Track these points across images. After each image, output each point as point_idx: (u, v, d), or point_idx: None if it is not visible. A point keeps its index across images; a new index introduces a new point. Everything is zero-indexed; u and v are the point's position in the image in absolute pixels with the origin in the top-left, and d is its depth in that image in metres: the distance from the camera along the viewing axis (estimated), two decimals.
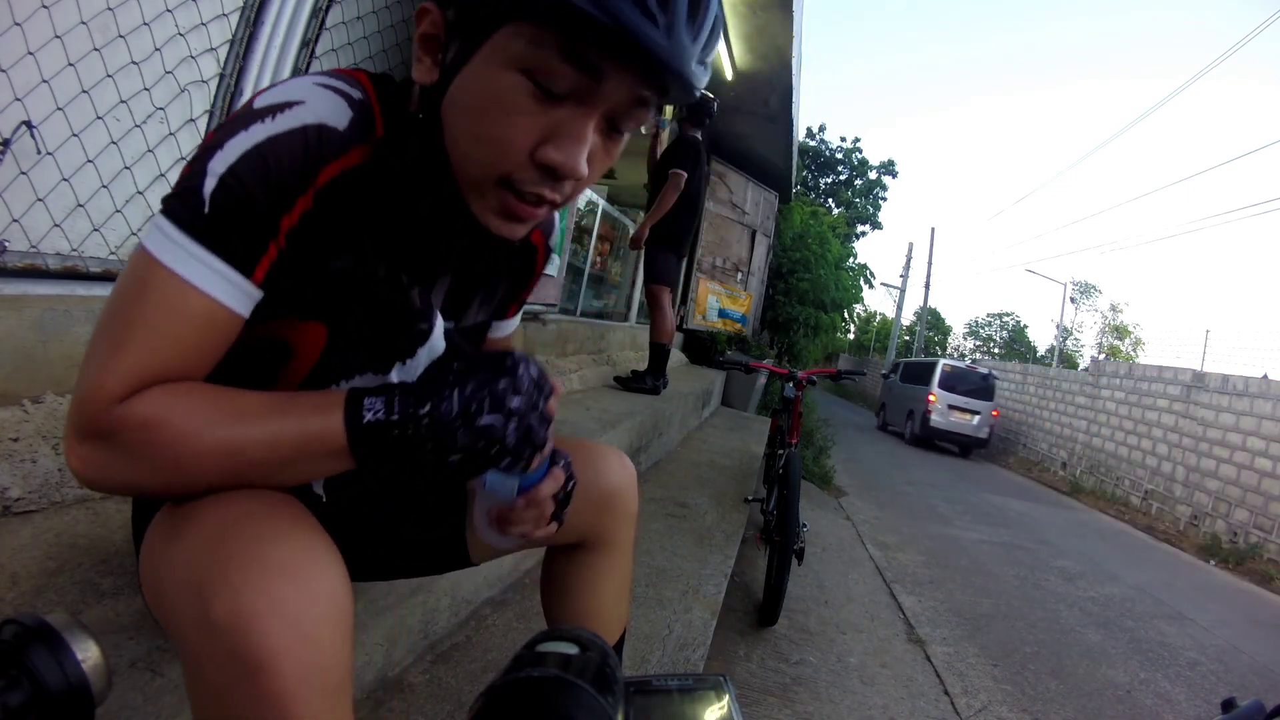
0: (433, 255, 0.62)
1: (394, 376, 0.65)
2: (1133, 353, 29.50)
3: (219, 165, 0.48)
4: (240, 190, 0.48)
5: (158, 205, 0.50)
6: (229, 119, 0.50)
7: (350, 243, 0.55)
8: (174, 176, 1.28)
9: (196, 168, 0.48)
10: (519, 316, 0.83)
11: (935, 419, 10.99)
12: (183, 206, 0.48)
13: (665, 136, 4.10)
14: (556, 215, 0.73)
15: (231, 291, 0.50)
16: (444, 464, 0.51)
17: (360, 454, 0.50)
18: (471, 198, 0.52)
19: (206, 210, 0.47)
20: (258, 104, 0.50)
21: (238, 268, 0.49)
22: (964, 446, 11.24)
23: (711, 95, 3.65)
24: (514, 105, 0.47)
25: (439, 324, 0.66)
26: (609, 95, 0.48)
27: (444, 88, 0.50)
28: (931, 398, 11.08)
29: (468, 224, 0.55)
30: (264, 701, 0.41)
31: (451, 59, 0.50)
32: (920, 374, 12.09)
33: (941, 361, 12.00)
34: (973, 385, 11.21)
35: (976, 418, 10.91)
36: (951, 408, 10.95)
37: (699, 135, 3.62)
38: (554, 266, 3.49)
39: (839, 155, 21.36)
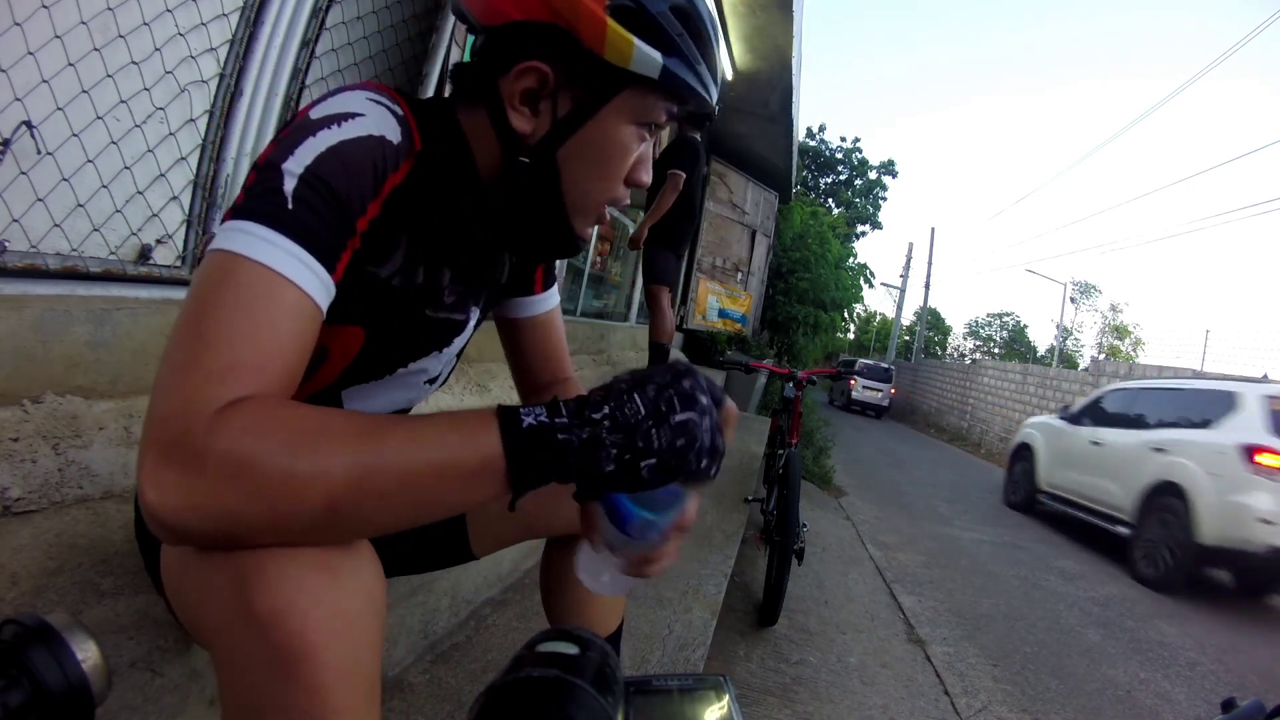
0: (467, 254, 0.67)
1: (426, 364, 0.70)
2: (1133, 353, 29.53)
3: (295, 166, 0.48)
4: (322, 186, 0.49)
5: (222, 218, 0.49)
6: (287, 129, 0.51)
7: (395, 251, 0.59)
8: (174, 176, 1.29)
9: (270, 173, 0.48)
10: (555, 291, 0.84)
11: (855, 394, 17.67)
12: (263, 205, 0.47)
13: (664, 137, 4.10)
14: None
15: (316, 285, 0.49)
16: (633, 473, 0.46)
17: (519, 468, 0.45)
18: (578, 219, 0.62)
19: (290, 205, 0.48)
20: (316, 114, 0.52)
21: (322, 261, 0.49)
22: (877, 411, 17.76)
23: None
24: (630, 149, 0.60)
25: (474, 314, 0.73)
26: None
27: (561, 137, 0.58)
28: (852, 381, 17.32)
29: (505, 228, 0.65)
30: (303, 694, 0.41)
31: (568, 114, 0.57)
32: (849, 368, 18.22)
33: (859, 361, 20.00)
34: (879, 374, 17.81)
35: (880, 393, 17.66)
36: (865, 387, 17.60)
37: (697, 136, 3.62)
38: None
39: (839, 155, 21.37)
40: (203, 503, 0.41)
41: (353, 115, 0.52)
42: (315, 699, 0.41)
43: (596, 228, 0.67)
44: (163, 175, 1.27)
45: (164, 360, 0.44)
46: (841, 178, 21.42)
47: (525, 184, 0.60)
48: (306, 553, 0.44)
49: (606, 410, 0.46)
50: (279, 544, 0.43)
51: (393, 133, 0.54)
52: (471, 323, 0.74)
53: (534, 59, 0.55)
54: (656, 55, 0.55)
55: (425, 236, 0.61)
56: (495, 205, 0.63)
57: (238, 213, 0.47)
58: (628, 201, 0.65)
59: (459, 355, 0.78)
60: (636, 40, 0.54)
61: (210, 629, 0.45)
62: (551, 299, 0.84)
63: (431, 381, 0.75)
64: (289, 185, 0.48)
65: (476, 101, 0.60)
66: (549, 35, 0.54)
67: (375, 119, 0.53)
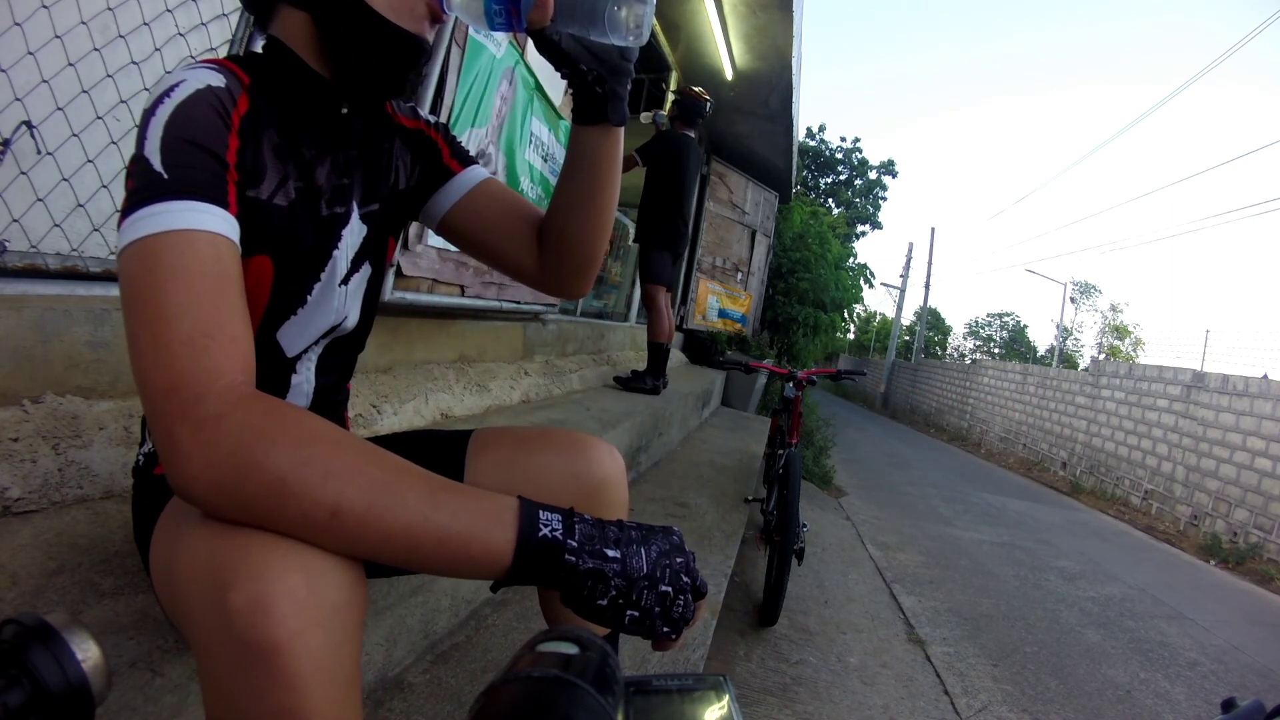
0: (335, 148, 0.69)
1: (326, 274, 0.69)
2: (1133, 353, 29.53)
3: (152, 145, 0.53)
4: (182, 144, 0.53)
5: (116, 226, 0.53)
6: (139, 127, 0.56)
7: (265, 170, 0.62)
8: None
9: (137, 166, 0.53)
10: (480, 168, 0.84)
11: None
12: (143, 191, 0.51)
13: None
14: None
15: (220, 223, 0.53)
16: (616, 616, 0.50)
17: (518, 572, 0.49)
18: (402, 17, 0.63)
19: (166, 175, 0.52)
20: (148, 103, 0.56)
21: (213, 202, 0.53)
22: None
23: (706, 95, 3.66)
24: None
25: (355, 208, 0.72)
26: None
27: None
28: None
29: (358, 109, 0.69)
30: (277, 686, 0.41)
31: None
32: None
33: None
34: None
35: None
36: None
37: (691, 134, 3.62)
38: None
39: (839, 155, 21.39)
40: (216, 458, 0.45)
41: (177, 84, 0.56)
42: (291, 691, 0.42)
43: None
44: None
45: (135, 352, 0.48)
46: (841, 178, 21.43)
47: (330, 11, 0.62)
48: (285, 549, 0.45)
49: (619, 554, 0.49)
50: (272, 526, 0.45)
51: (216, 80, 0.58)
52: (354, 215, 0.72)
53: None
54: None
55: (286, 146, 0.64)
56: (331, 70, 0.65)
57: (128, 211, 0.51)
58: None
59: (367, 259, 0.75)
60: None
61: (191, 622, 0.46)
62: (477, 173, 0.83)
63: (345, 283, 0.73)
64: (156, 162, 0.52)
65: (272, 7, 0.65)
66: None
67: (197, 77, 0.57)
